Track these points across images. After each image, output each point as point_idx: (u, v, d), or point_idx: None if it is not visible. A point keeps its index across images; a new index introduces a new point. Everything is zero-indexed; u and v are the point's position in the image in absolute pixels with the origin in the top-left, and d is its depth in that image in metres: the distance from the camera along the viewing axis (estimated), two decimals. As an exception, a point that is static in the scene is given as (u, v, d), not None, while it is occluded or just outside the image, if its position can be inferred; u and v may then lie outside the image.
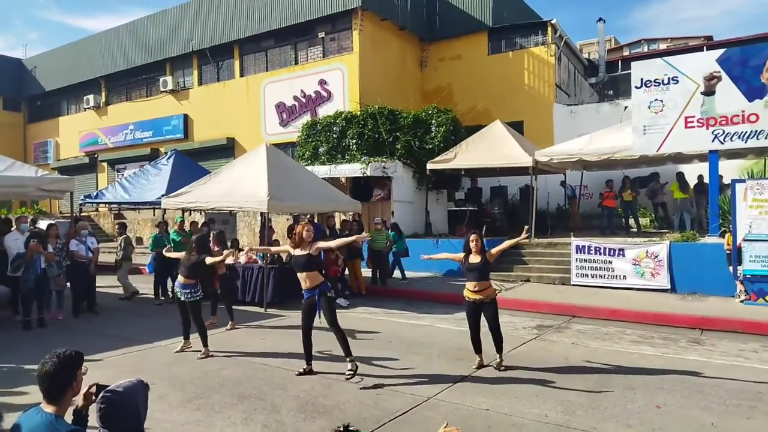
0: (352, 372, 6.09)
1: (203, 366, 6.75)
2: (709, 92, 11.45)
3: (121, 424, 2.56)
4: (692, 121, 11.66)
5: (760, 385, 5.83)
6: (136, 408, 2.66)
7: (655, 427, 4.77)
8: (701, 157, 13.24)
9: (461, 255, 6.62)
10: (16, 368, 6.56)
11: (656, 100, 12.00)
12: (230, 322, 8.90)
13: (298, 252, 6.33)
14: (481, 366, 6.54)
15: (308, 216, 14.37)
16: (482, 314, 6.54)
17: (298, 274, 6.34)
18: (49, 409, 2.78)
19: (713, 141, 11.46)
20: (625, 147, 12.64)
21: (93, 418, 2.71)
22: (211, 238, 9.43)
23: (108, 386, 2.71)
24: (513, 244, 6.99)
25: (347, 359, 6.20)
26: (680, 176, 14.80)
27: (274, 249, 7.85)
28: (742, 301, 9.85)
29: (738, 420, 4.93)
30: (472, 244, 6.50)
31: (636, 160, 13.85)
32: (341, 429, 2.31)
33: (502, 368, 6.42)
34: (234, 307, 9.29)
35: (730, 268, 10.28)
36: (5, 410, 4.81)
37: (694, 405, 5.28)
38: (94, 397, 2.90)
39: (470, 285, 6.49)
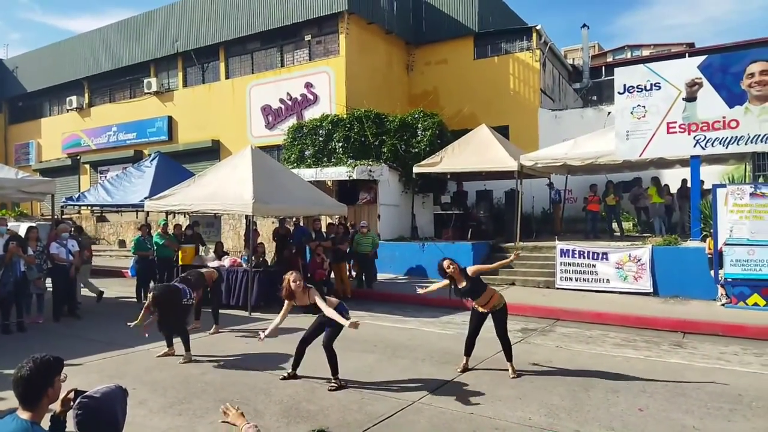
0: (335, 386, 5.95)
1: (185, 370, 6.67)
2: (690, 98, 11.61)
3: (98, 430, 2.51)
4: (674, 127, 11.81)
5: (741, 388, 5.91)
6: (114, 414, 2.61)
7: (637, 430, 4.80)
8: (683, 162, 13.42)
9: (446, 282, 6.42)
10: (-6, 373, 6.42)
11: (639, 105, 12.14)
12: (214, 326, 8.81)
13: (300, 303, 6.05)
14: (465, 369, 6.53)
15: (294, 219, 14.32)
16: (487, 320, 6.48)
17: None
18: (24, 415, 2.72)
19: (695, 146, 11.62)
20: (608, 152, 12.77)
21: (71, 424, 2.66)
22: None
23: (86, 392, 2.66)
24: (500, 266, 6.98)
25: (334, 378, 6.01)
26: (656, 181, 15.01)
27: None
28: (723, 305, 9.98)
29: (719, 423, 4.98)
30: (449, 270, 6.26)
31: (619, 165, 13.98)
32: None
33: (516, 375, 6.31)
34: (219, 310, 9.19)
35: (712, 272, 10.42)
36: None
37: (676, 408, 5.33)
38: (71, 403, 2.85)
39: (469, 302, 6.48)
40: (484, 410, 5.31)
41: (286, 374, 6.27)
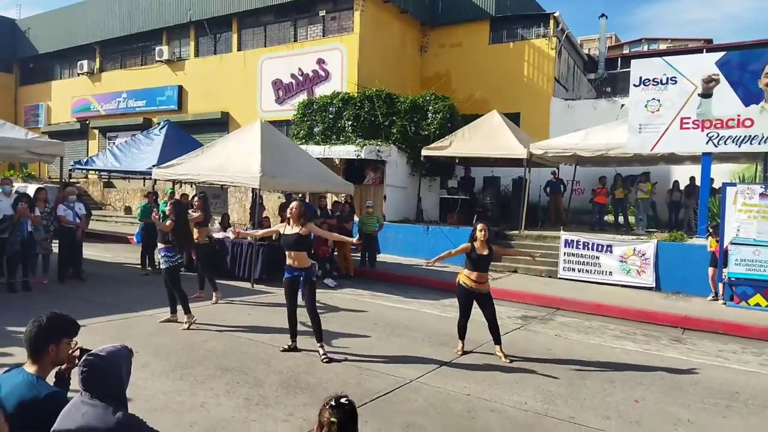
0: (326, 356, 6.07)
1: (188, 337, 6.74)
2: (706, 94, 11.48)
3: (103, 388, 2.55)
4: (688, 123, 11.70)
5: (738, 386, 5.93)
6: (119, 373, 2.64)
7: (632, 420, 4.85)
8: (694, 159, 13.34)
9: (467, 245, 6.45)
10: (0, 330, 6.51)
11: (653, 99, 12.01)
12: (214, 294, 8.85)
13: (288, 231, 6.27)
14: (463, 352, 6.58)
15: (300, 195, 14.33)
16: (475, 303, 6.54)
17: (287, 252, 6.29)
18: (31, 369, 2.76)
19: (707, 143, 11.52)
20: (619, 144, 12.68)
21: (75, 382, 2.70)
22: (195, 201, 9.43)
23: (91, 350, 2.70)
24: (514, 254, 6.97)
25: (318, 344, 6.18)
26: (647, 175, 15.04)
27: (260, 232, 7.41)
28: (724, 303, 9.98)
29: (714, 418, 5.01)
30: (480, 234, 6.37)
31: (629, 158, 13.91)
32: (333, 402, 2.30)
33: (509, 359, 6.37)
34: (222, 281, 9.27)
35: (709, 270, 10.41)
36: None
37: (672, 401, 5.36)
38: (77, 360, 2.89)
39: (471, 274, 6.45)
40: (480, 392, 5.36)
41: (286, 346, 6.34)
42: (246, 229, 12.04)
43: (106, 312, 7.67)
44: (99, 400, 2.50)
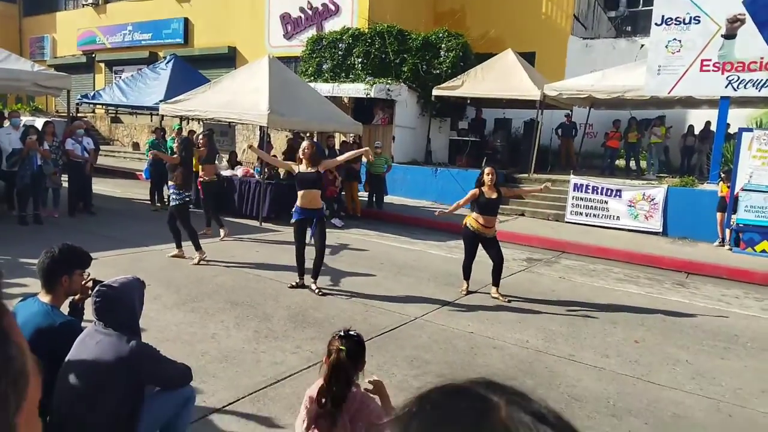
0: (319, 290, 6.25)
1: (198, 272, 6.88)
2: (729, 35, 11.04)
3: (115, 317, 2.62)
4: (708, 65, 11.33)
5: (738, 329, 6.03)
6: (131, 303, 2.72)
7: (631, 360, 4.96)
8: (711, 103, 12.99)
9: (475, 191, 6.41)
10: (13, 261, 6.66)
11: (675, 39, 11.59)
12: (221, 231, 8.94)
13: (305, 169, 6.19)
14: (468, 292, 6.68)
15: (308, 134, 14.21)
16: (480, 245, 6.55)
17: (303, 192, 6.19)
18: (45, 298, 2.84)
19: (726, 87, 11.19)
20: (636, 87, 12.35)
21: (89, 312, 2.78)
22: (200, 139, 9.42)
23: (103, 281, 2.76)
24: (529, 193, 6.91)
25: (313, 280, 6.29)
26: (661, 119, 14.73)
27: (279, 161, 7.47)
28: (730, 249, 9.99)
29: (712, 359, 5.12)
30: (487, 178, 6.31)
31: (645, 101, 13.57)
32: (342, 333, 2.37)
33: (507, 299, 6.47)
34: (230, 219, 9.36)
35: (718, 215, 10.35)
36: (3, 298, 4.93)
37: (672, 343, 5.47)
38: (89, 291, 2.97)
39: (479, 218, 6.41)
40: (483, 330, 5.48)
41: (294, 283, 6.45)
42: (254, 168, 12.03)
43: (117, 246, 7.81)
44: (113, 329, 2.58)
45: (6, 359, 0.52)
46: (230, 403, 3.71)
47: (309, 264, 6.44)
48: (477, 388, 0.51)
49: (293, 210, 6.38)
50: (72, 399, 2.49)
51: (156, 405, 2.75)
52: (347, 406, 2.32)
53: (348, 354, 2.32)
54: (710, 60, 11.29)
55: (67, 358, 2.58)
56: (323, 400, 2.34)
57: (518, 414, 0.47)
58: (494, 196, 6.38)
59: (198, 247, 7.31)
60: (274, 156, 11.29)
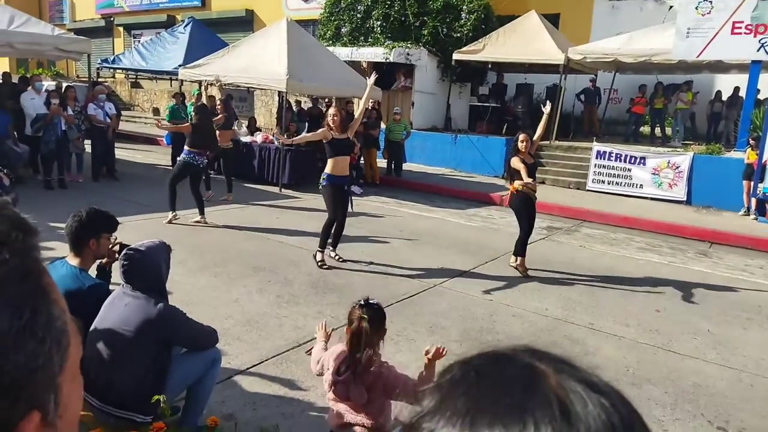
0: (340, 257, 6.26)
1: (221, 237, 6.97)
2: (765, -5, 10.58)
3: (143, 280, 2.67)
4: (740, 27, 10.89)
5: (761, 300, 5.96)
6: (158, 267, 2.76)
7: (651, 329, 4.95)
8: (741, 68, 12.54)
9: (521, 159, 6.06)
10: (41, 224, 6.69)
11: (705, 0, 11.14)
12: (227, 194, 9.08)
13: (338, 135, 6.04)
14: (526, 271, 6.30)
15: (326, 100, 14.09)
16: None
17: (337, 158, 6.04)
18: (74, 261, 2.90)
19: (758, 50, 10.77)
20: (664, 50, 11.95)
21: (117, 275, 2.83)
22: (218, 104, 9.41)
23: (131, 245, 2.80)
24: (541, 136, 6.67)
25: (333, 247, 6.26)
26: (689, 85, 14.28)
27: (310, 136, 6.90)
28: (756, 218, 9.80)
29: (734, 329, 5.08)
30: (521, 145, 6.08)
31: (673, 66, 13.15)
32: (362, 302, 2.39)
33: (526, 273, 6.28)
34: (250, 185, 9.43)
35: (744, 183, 10.13)
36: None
37: (694, 312, 5.44)
38: (116, 255, 3.02)
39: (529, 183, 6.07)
40: (502, 298, 5.50)
41: (324, 259, 6.13)
42: (274, 134, 12.02)
43: (141, 211, 7.92)
44: (140, 292, 2.64)
45: (49, 319, 0.52)
46: (254, 365, 3.80)
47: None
48: (522, 356, 0.49)
49: (323, 178, 6.12)
50: (101, 359, 2.56)
51: (183, 365, 2.82)
52: (365, 376, 2.35)
53: (369, 322, 2.34)
54: (742, 22, 10.85)
55: (96, 320, 2.65)
56: (341, 368, 2.37)
57: (568, 382, 0.46)
58: (531, 160, 6.27)
59: (173, 208, 7.37)
60: (308, 134, 11.27)
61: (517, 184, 6.11)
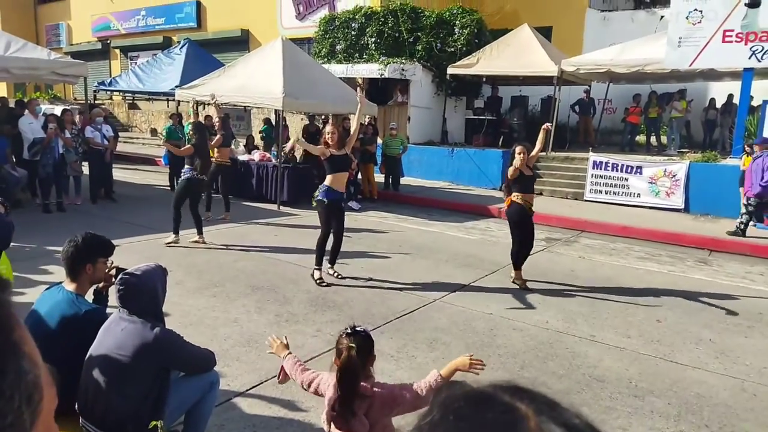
0: (338, 273, 6.28)
1: (218, 257, 6.96)
2: (753, 3, 10.66)
3: (139, 305, 2.66)
4: (730, 36, 11.00)
5: (762, 307, 5.94)
6: (154, 291, 2.75)
7: (653, 339, 4.93)
8: (733, 75, 12.65)
9: (517, 167, 6.09)
10: (39, 248, 6.79)
11: (695, 10, 11.26)
12: (225, 213, 9.06)
13: (336, 152, 6.06)
14: (524, 283, 6.27)
15: (323, 117, 14.16)
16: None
17: (336, 174, 6.06)
18: (70, 287, 2.89)
19: (750, 58, 10.86)
20: (656, 60, 12.06)
21: (113, 299, 2.82)
22: (217, 122, 9.44)
23: (127, 269, 2.80)
24: (540, 150, 6.67)
25: (331, 264, 6.29)
26: (682, 93, 14.37)
27: (311, 148, 6.59)
28: (754, 225, 9.79)
29: (736, 338, 5.06)
30: (519, 157, 6.05)
31: (666, 75, 13.25)
32: (349, 331, 2.36)
33: (526, 285, 6.26)
34: (248, 203, 9.43)
35: (741, 189, 10.14)
36: (29, 286, 5.04)
37: (695, 321, 5.41)
38: (113, 279, 3.01)
39: (518, 197, 6.18)
40: (502, 312, 5.47)
41: (321, 278, 6.15)
42: (283, 150, 12.05)
43: (139, 232, 7.91)
44: (137, 316, 2.63)
45: (18, 375, 0.50)
46: (253, 387, 3.77)
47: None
48: (503, 396, 0.48)
49: (320, 193, 6.09)
50: (98, 385, 2.54)
51: (181, 390, 2.80)
52: (361, 404, 2.31)
53: (357, 351, 2.30)
54: (733, 30, 10.96)
55: (93, 345, 2.64)
56: (335, 406, 2.32)
57: (548, 425, 0.45)
58: (530, 173, 6.29)
59: (176, 232, 7.33)
60: (309, 144, 11.34)
61: (515, 197, 6.20)
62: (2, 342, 0.50)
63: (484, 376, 3.95)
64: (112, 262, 3.11)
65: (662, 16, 15.68)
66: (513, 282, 6.32)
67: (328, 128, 6.27)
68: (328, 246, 6.29)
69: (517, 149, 6.20)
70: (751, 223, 9.87)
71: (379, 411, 2.33)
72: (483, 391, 0.49)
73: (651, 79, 14.40)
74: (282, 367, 2.70)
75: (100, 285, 3.14)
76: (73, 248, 2.87)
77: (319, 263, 6.14)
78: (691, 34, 11.37)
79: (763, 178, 8.81)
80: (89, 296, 3.05)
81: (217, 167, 9.30)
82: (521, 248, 6.28)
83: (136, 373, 2.55)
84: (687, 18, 11.36)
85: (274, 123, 14.43)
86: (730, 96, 13.94)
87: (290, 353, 2.72)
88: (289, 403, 3.60)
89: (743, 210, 9.92)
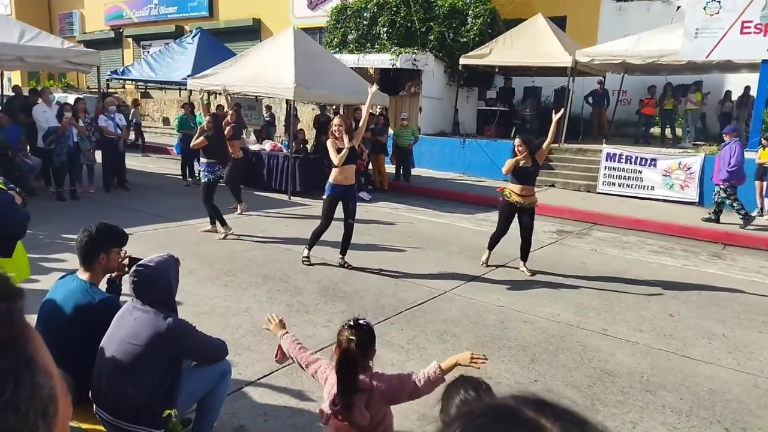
0: (348, 264, 6.31)
1: (230, 246, 6.99)
2: (775, -6, 10.48)
3: (152, 295, 2.67)
4: (749, 27, 10.80)
5: (776, 302, 5.87)
6: (167, 281, 2.76)
7: (666, 334, 4.89)
8: (751, 67, 12.43)
9: (509, 165, 6.28)
10: (52, 236, 6.86)
11: (713, 0, 11.06)
12: (238, 206, 8.80)
13: (347, 144, 6.05)
14: (488, 265, 6.60)
15: (333, 107, 14.13)
16: (516, 218, 6.45)
17: (345, 168, 6.07)
18: (84, 276, 2.91)
19: (769, 49, 10.68)
20: (672, 51, 11.87)
21: (127, 288, 2.84)
22: (230, 113, 9.38)
23: (140, 259, 2.81)
24: (551, 142, 6.67)
25: (343, 255, 6.34)
26: (698, 85, 14.15)
27: (333, 153, 6.17)
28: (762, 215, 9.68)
29: (749, 333, 5.01)
30: (519, 149, 6.18)
31: (682, 67, 13.05)
32: (351, 323, 2.35)
33: (532, 273, 6.40)
34: (260, 193, 9.42)
35: (756, 183, 10.00)
36: (43, 273, 5.09)
37: (708, 316, 5.36)
38: (126, 269, 3.03)
39: (516, 188, 6.28)
40: (514, 304, 5.46)
41: (305, 257, 6.39)
42: (282, 143, 12.07)
43: (151, 221, 7.97)
44: (150, 306, 2.64)
45: (33, 390, 0.50)
46: (264, 376, 3.79)
47: (332, 238, 6.45)
48: (527, 412, 0.46)
49: (326, 189, 6.20)
50: (112, 374, 2.57)
51: (194, 379, 2.82)
52: (359, 396, 2.30)
53: (358, 345, 2.29)
54: (751, 21, 10.76)
55: (106, 334, 2.66)
56: (336, 400, 2.32)
57: None
58: (529, 164, 6.26)
59: (223, 223, 7.38)
60: (297, 136, 11.35)
61: (507, 191, 6.38)
62: (16, 357, 0.49)
63: (495, 368, 3.95)
64: (126, 252, 3.13)
65: (679, 7, 15.42)
66: (521, 271, 6.44)
67: (336, 120, 6.26)
68: (334, 237, 6.36)
69: (516, 142, 6.20)
70: (766, 217, 9.75)
71: (377, 403, 2.33)
72: (507, 406, 0.48)
73: (666, 71, 14.20)
74: (279, 346, 2.72)
75: (114, 274, 3.16)
76: (87, 237, 2.89)
77: (310, 247, 6.37)
78: (708, 25, 11.18)
79: (730, 163, 9.11)
80: (102, 285, 3.08)
81: (233, 162, 9.25)
82: (500, 235, 6.54)
83: (148, 362, 2.57)
84: (704, 9, 11.17)
85: (285, 113, 14.45)
86: (747, 88, 13.71)
87: (287, 332, 2.74)
88: (300, 392, 3.62)
89: (716, 198, 9.81)
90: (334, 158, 6.09)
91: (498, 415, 0.47)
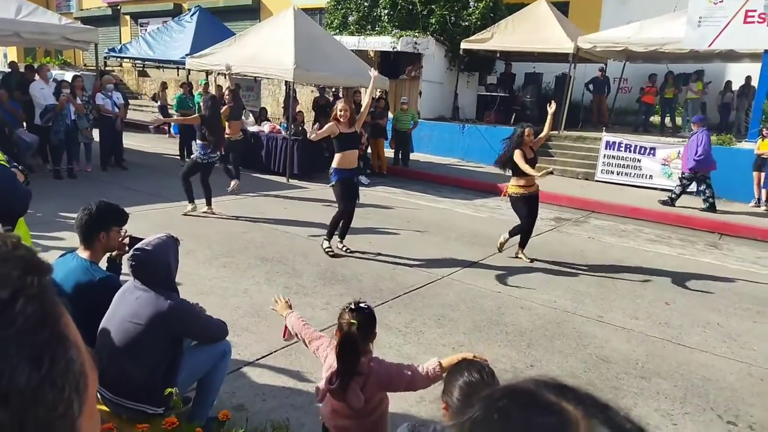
0: (347, 248, 6.29)
1: (228, 227, 6.98)
2: (780, -17, 10.40)
3: (152, 277, 2.67)
4: (753, 16, 10.73)
5: (771, 293, 5.91)
6: (166, 264, 2.75)
7: (661, 322, 4.93)
8: (753, 57, 12.39)
9: (523, 153, 6.11)
10: (51, 215, 6.83)
11: (718, -11, 10.98)
12: (232, 182, 8.79)
13: (346, 130, 6.01)
14: (500, 249, 6.50)
15: (333, 90, 14.03)
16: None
17: (346, 152, 6.03)
18: (84, 254, 2.91)
19: (772, 40, 10.62)
20: (675, 39, 11.80)
21: (127, 267, 2.83)
22: (226, 94, 9.31)
23: (141, 239, 2.80)
24: (548, 133, 6.65)
25: (341, 239, 6.30)
26: (699, 74, 14.10)
27: (326, 130, 6.21)
28: (766, 210, 9.71)
29: (744, 322, 5.05)
30: (528, 139, 6.10)
31: (683, 55, 12.99)
32: (352, 306, 2.35)
33: (532, 260, 6.41)
34: (258, 175, 9.37)
35: (754, 174, 10.02)
36: (42, 252, 5.08)
37: (703, 305, 5.41)
38: (127, 248, 3.03)
39: (518, 181, 6.21)
40: (511, 290, 5.49)
41: (346, 248, 6.31)
42: (280, 125, 12.02)
43: (149, 200, 7.94)
44: (150, 287, 2.64)
45: (68, 365, 0.50)
46: (263, 356, 3.82)
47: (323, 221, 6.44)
48: (548, 395, 0.46)
49: (331, 177, 6.13)
50: (112, 352, 2.57)
51: (194, 358, 2.83)
52: (356, 378, 2.31)
53: (359, 328, 2.30)
54: (755, 11, 10.69)
55: (107, 313, 2.66)
56: (333, 379, 2.33)
57: (599, 429, 0.43)
58: (532, 155, 6.25)
59: (191, 200, 7.36)
60: (296, 117, 11.27)
61: (512, 188, 6.28)
62: (51, 332, 0.49)
63: (491, 353, 3.98)
64: (126, 231, 3.13)
65: (683, -6, 15.31)
66: (518, 257, 6.49)
67: (340, 105, 6.18)
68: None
69: (527, 130, 6.14)
70: (763, 207, 9.78)
71: (373, 387, 2.35)
72: (527, 389, 0.48)
73: (668, 59, 14.13)
74: (285, 325, 2.74)
75: (114, 253, 3.16)
76: (87, 216, 2.88)
77: (330, 236, 6.22)
78: (711, 14, 11.11)
79: (697, 152, 9.30)
80: (103, 264, 3.08)
81: (229, 144, 9.19)
82: (524, 228, 6.41)
83: (149, 341, 2.58)
84: (709, -4, 11.08)
85: (285, 95, 14.34)
86: (748, 78, 13.66)
87: (292, 312, 2.75)
88: (298, 373, 3.65)
89: (678, 183, 9.88)
90: (314, 134, 6.14)
91: (520, 397, 0.47)
